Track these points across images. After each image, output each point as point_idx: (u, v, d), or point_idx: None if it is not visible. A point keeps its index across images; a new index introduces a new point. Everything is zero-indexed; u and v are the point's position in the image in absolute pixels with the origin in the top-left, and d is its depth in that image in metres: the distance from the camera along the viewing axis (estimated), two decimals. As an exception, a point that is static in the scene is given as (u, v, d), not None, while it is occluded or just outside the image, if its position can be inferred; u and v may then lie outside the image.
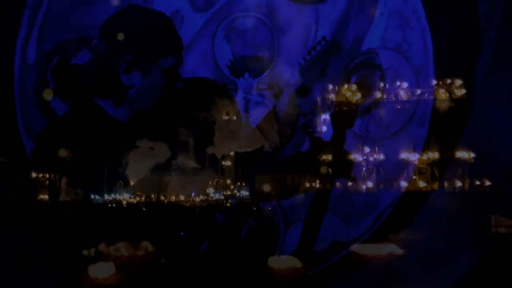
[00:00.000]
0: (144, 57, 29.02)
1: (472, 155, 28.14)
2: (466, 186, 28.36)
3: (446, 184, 28.85)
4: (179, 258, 26.32)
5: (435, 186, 29.32)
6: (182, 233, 26.99)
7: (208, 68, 31.76)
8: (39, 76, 31.25)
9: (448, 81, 30.08)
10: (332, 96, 28.78)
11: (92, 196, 27.78)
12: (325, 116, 28.89)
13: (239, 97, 31.46)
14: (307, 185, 29.22)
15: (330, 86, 28.76)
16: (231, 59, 31.76)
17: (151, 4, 31.48)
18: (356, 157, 30.07)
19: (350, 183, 29.46)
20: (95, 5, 31.18)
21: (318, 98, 28.97)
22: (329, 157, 28.54)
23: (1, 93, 30.50)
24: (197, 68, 31.79)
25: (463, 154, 28.89)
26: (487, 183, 27.83)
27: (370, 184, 30.07)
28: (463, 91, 29.72)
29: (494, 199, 27.33)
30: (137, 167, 28.30)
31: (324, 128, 28.62)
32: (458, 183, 28.71)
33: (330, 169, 28.89)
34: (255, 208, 27.67)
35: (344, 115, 29.13)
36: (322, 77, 30.28)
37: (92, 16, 30.41)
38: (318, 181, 28.75)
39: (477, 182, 28.24)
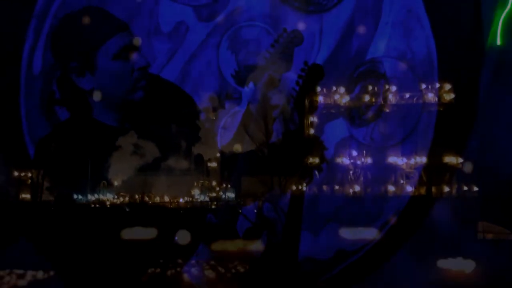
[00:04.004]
0: (87, 53, 28.97)
1: (474, 164, 28.22)
2: (467, 193, 28.34)
3: (447, 191, 28.89)
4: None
5: (438, 194, 29.29)
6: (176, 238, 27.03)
7: (212, 77, 31.91)
8: (44, 86, 31.66)
9: (452, 90, 30.10)
10: (320, 99, 28.83)
11: (75, 196, 27.94)
12: (313, 119, 28.87)
13: (243, 106, 31.65)
14: (294, 187, 29.17)
15: (319, 89, 28.80)
16: (235, 69, 31.88)
17: (156, 16, 31.80)
18: (359, 164, 30.14)
19: (352, 190, 29.52)
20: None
21: (306, 100, 29.01)
22: (316, 160, 28.50)
23: (7, 102, 31.01)
24: (202, 78, 31.99)
25: (465, 163, 28.89)
26: (486, 190, 27.98)
27: (373, 192, 30.08)
28: (467, 100, 29.72)
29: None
30: (121, 167, 28.41)
31: (312, 131, 28.56)
32: (460, 191, 28.71)
33: (317, 173, 28.90)
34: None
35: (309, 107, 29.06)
36: (288, 69, 30.37)
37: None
38: (304, 184, 28.72)
39: (476, 190, 28.29)
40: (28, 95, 31.57)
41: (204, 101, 30.44)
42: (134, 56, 29.33)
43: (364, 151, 30.70)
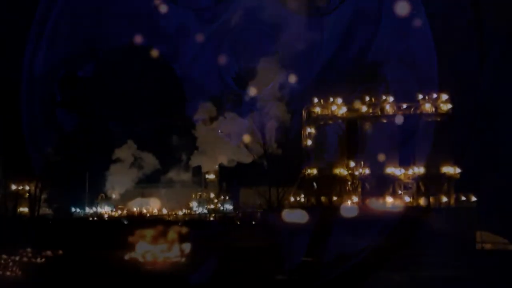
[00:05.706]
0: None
1: (473, 174, 28.19)
2: (465, 203, 28.32)
3: (444, 199, 28.87)
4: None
5: (436, 201, 29.31)
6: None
7: (213, 79, 31.95)
8: (46, 88, 31.71)
9: (452, 93, 30.05)
10: (318, 110, 29.05)
11: (74, 209, 28.22)
12: (310, 130, 29.18)
13: (243, 109, 31.71)
14: (292, 199, 29.50)
15: (316, 100, 29.11)
16: (236, 71, 31.93)
17: (157, 17, 31.78)
18: (357, 171, 30.14)
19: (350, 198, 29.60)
20: (101, 19, 31.67)
21: (303, 111, 29.36)
22: (314, 171, 28.80)
23: (9, 105, 31.05)
24: (202, 80, 31.99)
25: (465, 168, 28.84)
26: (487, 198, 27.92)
27: (372, 197, 30.10)
28: (467, 103, 29.66)
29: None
30: (120, 179, 28.63)
31: (310, 142, 28.88)
32: (458, 200, 28.73)
33: (315, 184, 29.11)
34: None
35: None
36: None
37: (98, 30, 30.89)
38: (302, 195, 29.12)
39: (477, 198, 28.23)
40: (29, 98, 31.71)
41: (202, 109, 30.58)
42: None
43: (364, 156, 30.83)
